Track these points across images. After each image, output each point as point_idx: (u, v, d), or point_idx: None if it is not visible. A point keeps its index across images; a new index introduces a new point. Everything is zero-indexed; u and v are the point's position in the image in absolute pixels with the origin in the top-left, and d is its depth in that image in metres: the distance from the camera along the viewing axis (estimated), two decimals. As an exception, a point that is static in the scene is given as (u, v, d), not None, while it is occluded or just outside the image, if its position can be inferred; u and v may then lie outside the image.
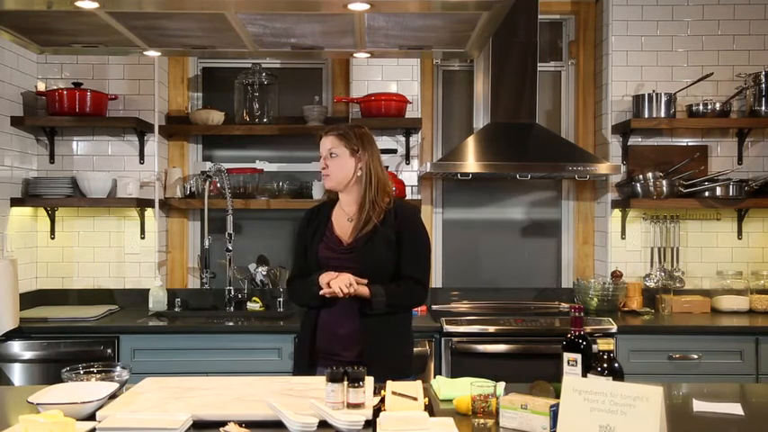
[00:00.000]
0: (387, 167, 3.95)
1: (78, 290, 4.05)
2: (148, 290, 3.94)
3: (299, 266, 2.68)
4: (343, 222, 2.61)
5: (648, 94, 3.95)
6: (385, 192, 2.58)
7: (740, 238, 4.09)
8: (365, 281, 2.47)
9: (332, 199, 2.70)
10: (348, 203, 2.62)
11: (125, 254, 4.07)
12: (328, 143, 2.58)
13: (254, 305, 3.98)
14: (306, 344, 2.58)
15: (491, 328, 3.54)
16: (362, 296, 2.46)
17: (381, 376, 2.15)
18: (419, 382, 2.15)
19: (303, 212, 2.75)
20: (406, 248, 2.56)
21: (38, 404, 1.88)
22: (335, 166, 2.56)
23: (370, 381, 2.02)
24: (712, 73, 3.96)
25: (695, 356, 3.48)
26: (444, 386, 2.18)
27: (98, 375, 2.15)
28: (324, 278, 2.46)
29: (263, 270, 4.08)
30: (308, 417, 1.79)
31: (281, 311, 3.93)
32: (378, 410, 1.89)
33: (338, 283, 2.41)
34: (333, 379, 1.87)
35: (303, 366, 2.58)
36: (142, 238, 4.06)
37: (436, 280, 4.33)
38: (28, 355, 3.41)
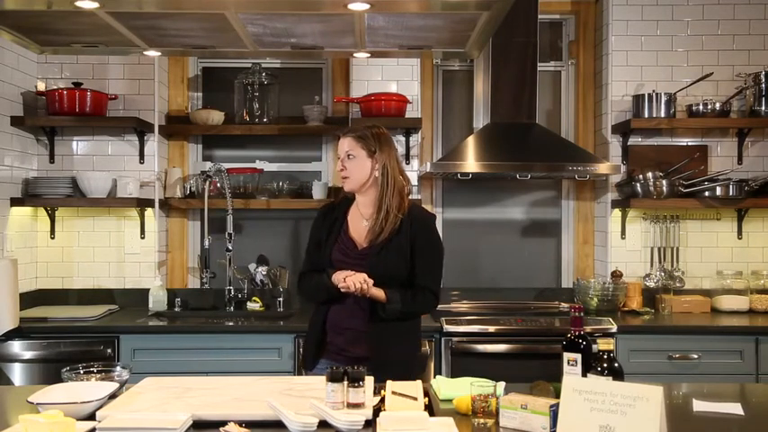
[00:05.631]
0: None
1: (78, 290, 4.05)
2: (148, 290, 3.94)
3: (310, 261, 2.69)
4: (359, 224, 2.60)
5: (648, 94, 3.95)
6: (401, 195, 2.57)
7: (740, 238, 4.09)
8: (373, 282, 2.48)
9: (348, 197, 2.68)
10: (365, 204, 2.61)
11: (125, 254, 4.07)
12: (346, 145, 2.58)
13: (254, 305, 3.98)
14: (314, 337, 2.61)
15: (491, 328, 3.54)
16: (377, 299, 2.48)
17: (386, 376, 2.16)
18: (419, 382, 2.15)
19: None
20: (421, 257, 2.56)
21: (38, 404, 1.88)
22: (353, 167, 2.55)
23: (370, 381, 2.02)
24: (712, 73, 3.96)
25: (695, 356, 3.48)
26: (444, 386, 2.18)
27: (98, 375, 2.15)
28: (339, 275, 2.47)
29: (263, 270, 4.08)
30: (309, 417, 1.79)
31: (281, 311, 3.93)
32: (378, 410, 1.89)
33: (353, 279, 2.41)
34: (333, 379, 1.87)
35: (310, 357, 2.62)
36: (142, 237, 4.06)
37: (436, 280, 4.33)
38: (28, 354, 3.41)
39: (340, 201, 2.72)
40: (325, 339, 2.59)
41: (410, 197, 2.67)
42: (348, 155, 2.56)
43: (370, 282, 2.44)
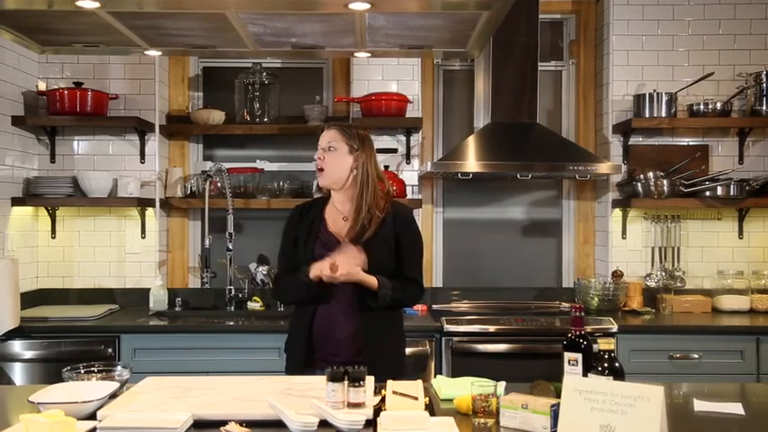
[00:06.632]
0: (387, 167, 4.00)
1: (79, 289, 4.05)
2: (149, 289, 3.95)
3: (287, 263, 2.64)
4: (338, 221, 2.59)
5: (649, 94, 3.95)
6: (380, 197, 2.57)
7: (741, 238, 4.08)
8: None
9: (323, 196, 2.68)
10: (341, 201, 2.60)
11: (126, 253, 4.07)
12: (329, 136, 2.58)
13: (255, 305, 3.98)
14: (301, 346, 2.54)
15: (491, 328, 3.54)
16: (369, 285, 2.46)
17: (379, 375, 2.15)
18: (419, 382, 2.15)
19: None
20: (406, 251, 2.57)
21: (39, 403, 1.88)
22: (331, 160, 2.55)
23: (370, 380, 2.02)
24: (713, 72, 3.96)
25: (696, 356, 3.48)
26: (445, 386, 2.18)
27: (99, 375, 2.15)
28: (321, 264, 2.41)
29: (263, 269, 4.08)
30: (309, 416, 1.79)
31: (282, 311, 3.93)
32: (378, 410, 1.88)
33: (340, 262, 2.37)
34: (333, 378, 1.87)
35: (297, 368, 2.54)
36: (143, 237, 4.06)
37: (436, 280, 4.33)
38: (29, 354, 3.41)
39: (315, 200, 2.71)
40: (311, 347, 2.53)
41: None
42: (330, 146, 2.56)
43: (361, 258, 2.41)
